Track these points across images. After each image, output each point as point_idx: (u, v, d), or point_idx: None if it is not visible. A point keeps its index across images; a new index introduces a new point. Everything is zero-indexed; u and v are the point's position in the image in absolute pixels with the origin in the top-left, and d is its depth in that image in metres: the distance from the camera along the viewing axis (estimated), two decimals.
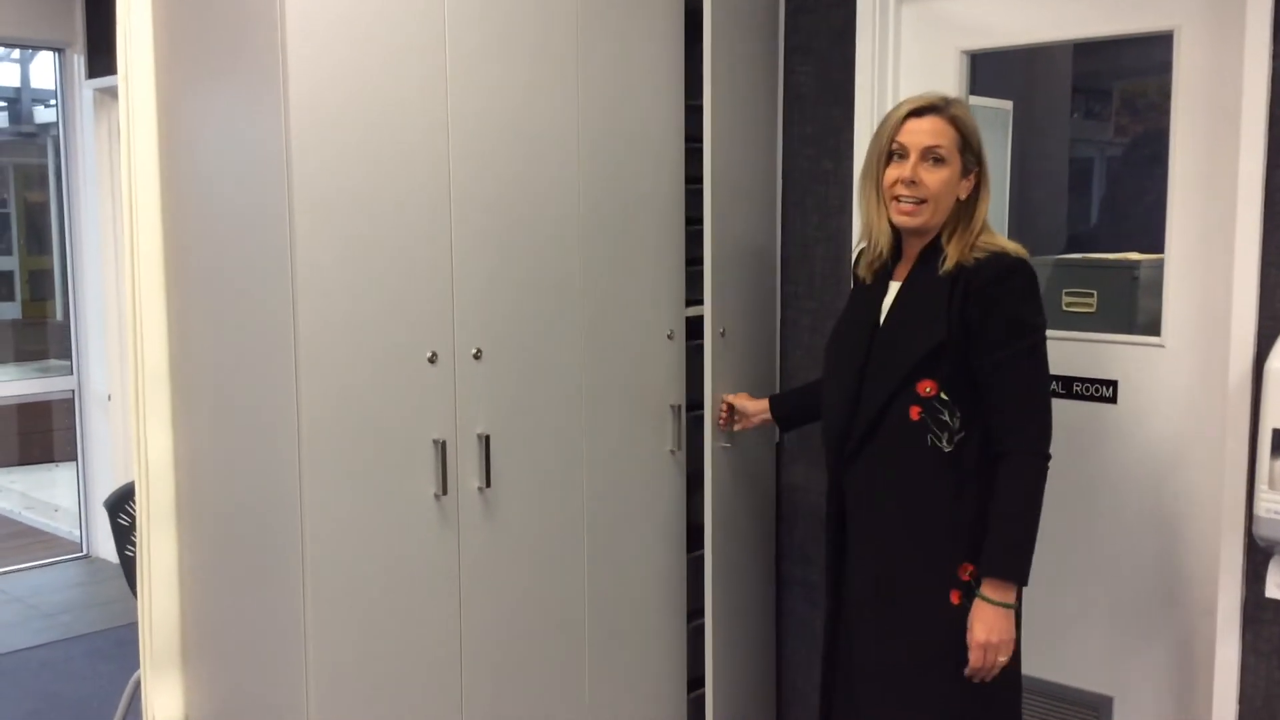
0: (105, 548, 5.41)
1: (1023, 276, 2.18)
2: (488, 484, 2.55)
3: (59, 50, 5.38)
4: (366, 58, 2.30)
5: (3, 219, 16.30)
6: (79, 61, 5.34)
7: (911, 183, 2.19)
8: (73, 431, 5.66)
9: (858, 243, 2.45)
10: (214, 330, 2.49)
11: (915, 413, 2.21)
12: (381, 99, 2.33)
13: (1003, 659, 2.17)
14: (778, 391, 3.13)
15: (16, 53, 11.95)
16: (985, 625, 2.15)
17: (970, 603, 2.20)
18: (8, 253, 16.75)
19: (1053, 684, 2.92)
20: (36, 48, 7.59)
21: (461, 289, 2.49)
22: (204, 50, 2.42)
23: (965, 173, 2.23)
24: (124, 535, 3.06)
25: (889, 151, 2.23)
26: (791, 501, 3.26)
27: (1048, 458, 2.21)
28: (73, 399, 5.63)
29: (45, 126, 12.81)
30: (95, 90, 5.28)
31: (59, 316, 15.15)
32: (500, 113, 2.53)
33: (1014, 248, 2.23)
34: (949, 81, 2.96)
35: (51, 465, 7.57)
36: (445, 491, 2.47)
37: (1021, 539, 2.16)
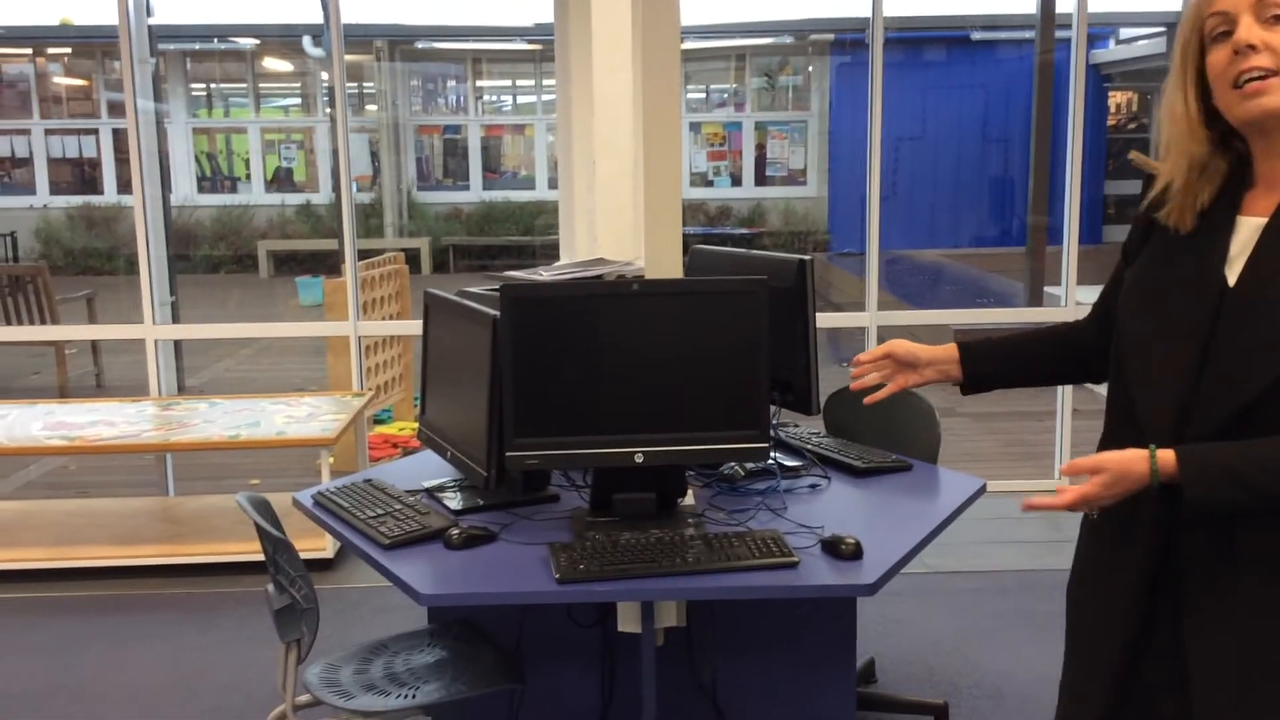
0: None
1: None
2: None
3: None
4: None
5: (1144, 144, 16.98)
6: None
7: (1251, 47, 1.48)
8: None
9: (1158, 186, 1.69)
10: None
11: None
12: None
13: (1087, 499, 1.52)
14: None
15: None
16: (1123, 464, 1.50)
17: None
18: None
19: None
20: None
21: None
22: None
23: None
24: None
25: (1203, 34, 1.55)
26: None
27: None
28: None
29: None
30: None
31: None
32: None
33: None
34: None
35: None
36: None
37: (1246, 482, 1.45)
